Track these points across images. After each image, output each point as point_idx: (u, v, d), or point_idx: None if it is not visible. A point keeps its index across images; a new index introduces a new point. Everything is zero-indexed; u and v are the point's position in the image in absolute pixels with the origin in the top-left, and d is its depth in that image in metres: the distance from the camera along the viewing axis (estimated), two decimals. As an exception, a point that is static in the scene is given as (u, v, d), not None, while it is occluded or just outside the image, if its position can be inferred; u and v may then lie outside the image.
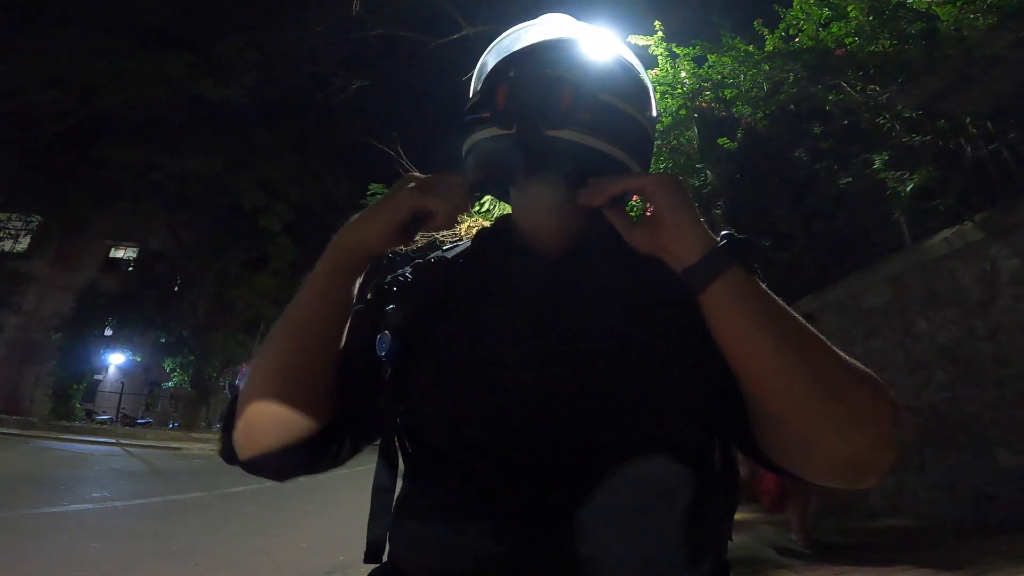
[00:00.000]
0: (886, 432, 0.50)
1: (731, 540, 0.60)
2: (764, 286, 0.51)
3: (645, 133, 0.64)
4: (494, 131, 0.57)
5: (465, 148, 0.62)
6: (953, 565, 2.77)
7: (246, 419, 0.57)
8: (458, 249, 0.72)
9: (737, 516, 0.62)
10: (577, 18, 0.71)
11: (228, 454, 0.59)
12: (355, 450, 0.65)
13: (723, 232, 0.53)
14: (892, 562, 2.99)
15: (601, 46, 0.66)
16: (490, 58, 0.71)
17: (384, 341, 0.59)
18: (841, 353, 0.51)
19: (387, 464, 0.60)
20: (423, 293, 0.64)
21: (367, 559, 0.60)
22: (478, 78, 0.71)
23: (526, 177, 0.59)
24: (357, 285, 0.59)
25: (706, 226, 0.52)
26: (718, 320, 0.50)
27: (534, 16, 0.71)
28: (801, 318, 0.51)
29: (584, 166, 0.57)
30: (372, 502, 0.60)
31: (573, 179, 0.57)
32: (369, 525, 0.60)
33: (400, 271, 0.68)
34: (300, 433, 0.57)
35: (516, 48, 0.67)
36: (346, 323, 0.59)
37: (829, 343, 0.50)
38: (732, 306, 0.49)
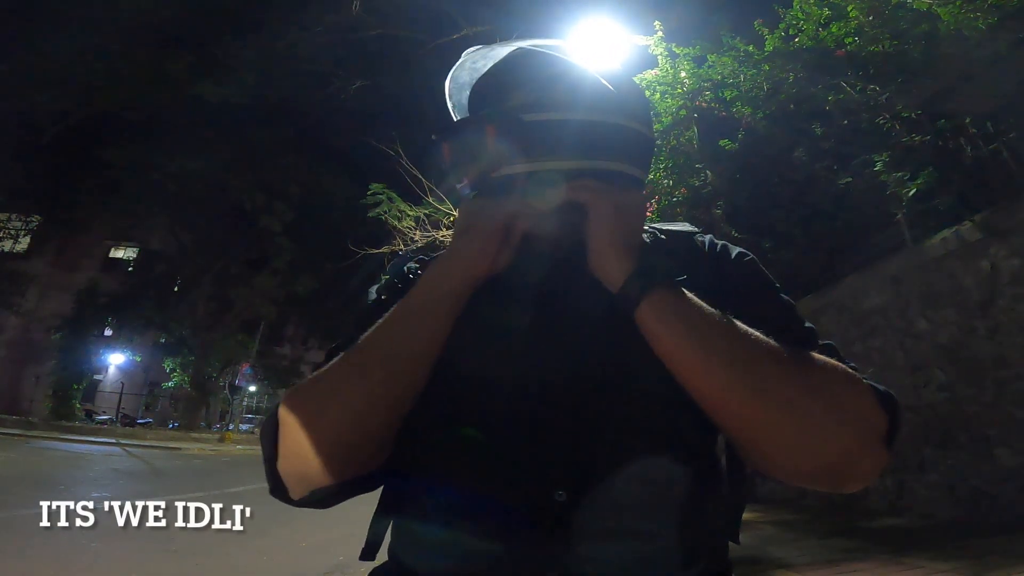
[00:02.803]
0: (861, 437, 0.48)
1: (738, 543, 0.59)
2: (694, 302, 0.51)
3: (648, 142, 0.65)
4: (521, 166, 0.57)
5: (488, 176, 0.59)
6: (953, 565, 2.77)
7: (305, 455, 0.52)
8: None
9: (738, 516, 0.61)
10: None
11: (282, 494, 0.56)
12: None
13: (648, 253, 0.53)
14: (892, 562, 2.98)
15: (587, 67, 0.64)
16: (465, 78, 0.68)
17: None
18: (800, 360, 0.49)
19: (395, 464, 0.61)
20: None
21: (363, 556, 0.60)
22: (458, 99, 0.70)
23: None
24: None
25: (634, 247, 0.53)
26: (650, 341, 0.51)
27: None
28: (745, 328, 0.50)
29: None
30: (379, 501, 0.60)
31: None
32: (371, 523, 0.60)
33: (409, 267, 0.68)
34: (369, 468, 0.55)
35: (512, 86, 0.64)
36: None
37: (780, 352, 0.49)
38: (657, 328, 0.50)
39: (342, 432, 0.52)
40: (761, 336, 0.50)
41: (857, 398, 0.49)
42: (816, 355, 0.52)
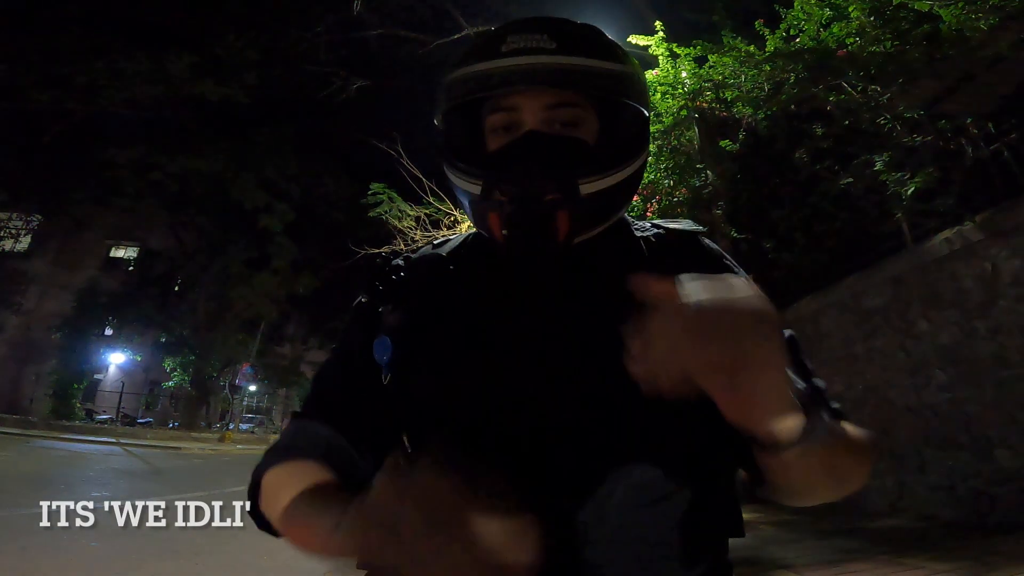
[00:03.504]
0: (869, 471, 0.52)
1: (743, 535, 0.59)
2: (837, 429, 0.47)
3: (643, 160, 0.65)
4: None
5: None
6: (953, 565, 2.77)
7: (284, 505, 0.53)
8: (451, 245, 0.70)
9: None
10: (577, 18, 0.68)
11: (270, 530, 0.55)
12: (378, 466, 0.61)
13: (799, 385, 0.50)
14: (892, 562, 2.98)
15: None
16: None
17: (383, 345, 0.58)
18: (861, 440, 0.51)
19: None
20: (420, 292, 0.63)
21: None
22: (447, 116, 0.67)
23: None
24: None
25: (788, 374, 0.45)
26: (778, 471, 0.47)
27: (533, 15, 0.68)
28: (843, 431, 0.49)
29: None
30: None
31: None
32: None
33: (393, 268, 0.66)
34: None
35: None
36: None
37: (858, 443, 0.50)
38: (805, 464, 0.45)
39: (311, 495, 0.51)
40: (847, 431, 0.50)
41: (871, 447, 0.52)
42: (854, 428, 0.52)
